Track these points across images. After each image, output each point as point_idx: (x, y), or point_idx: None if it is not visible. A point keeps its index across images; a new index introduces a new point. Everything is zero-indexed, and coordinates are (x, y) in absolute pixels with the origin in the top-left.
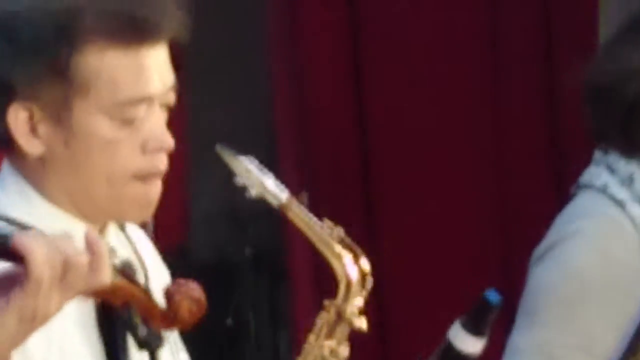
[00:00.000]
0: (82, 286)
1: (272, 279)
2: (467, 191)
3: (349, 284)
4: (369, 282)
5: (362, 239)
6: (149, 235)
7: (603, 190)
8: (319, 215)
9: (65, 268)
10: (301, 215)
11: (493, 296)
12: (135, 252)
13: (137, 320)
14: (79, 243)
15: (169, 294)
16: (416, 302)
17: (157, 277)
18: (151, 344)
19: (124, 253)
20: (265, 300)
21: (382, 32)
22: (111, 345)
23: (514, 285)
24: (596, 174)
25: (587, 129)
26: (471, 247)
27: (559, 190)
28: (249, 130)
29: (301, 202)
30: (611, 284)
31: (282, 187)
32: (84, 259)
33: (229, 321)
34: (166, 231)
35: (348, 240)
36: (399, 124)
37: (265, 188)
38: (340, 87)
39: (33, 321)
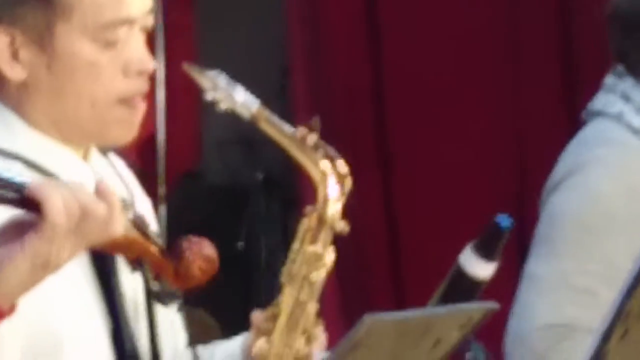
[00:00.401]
0: (96, 236)
1: (283, 204)
2: (481, 121)
3: (325, 191)
4: (348, 184)
5: (375, 168)
6: (160, 160)
7: (618, 118)
8: (333, 146)
9: (82, 216)
10: (274, 125)
11: (504, 220)
12: (119, 176)
13: (149, 275)
14: (88, 189)
15: (181, 251)
16: (430, 231)
17: (141, 203)
18: (164, 300)
19: (107, 177)
20: (277, 224)
21: None
22: (102, 265)
23: (525, 213)
24: (610, 101)
25: (606, 52)
26: (484, 178)
27: (570, 119)
28: (262, 58)
29: (314, 128)
30: (635, 215)
31: (253, 98)
32: (101, 208)
33: (240, 244)
34: (179, 156)
35: (323, 144)
36: (415, 57)
37: (234, 100)
38: (356, 22)
39: (45, 268)
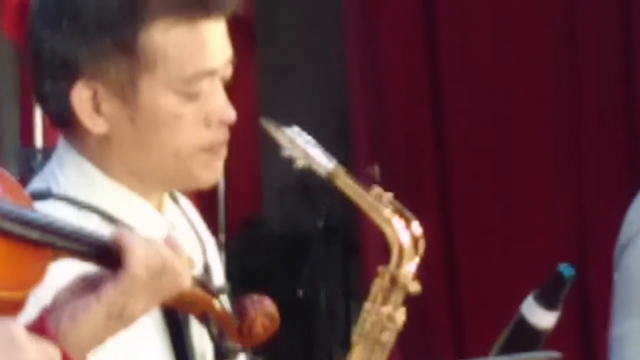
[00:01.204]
0: (169, 291)
1: (343, 251)
2: (544, 170)
3: (401, 249)
4: (422, 245)
5: (434, 214)
6: (221, 207)
7: None
8: (392, 190)
9: (162, 271)
10: (349, 183)
11: (567, 270)
12: (190, 222)
13: (214, 330)
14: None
15: (243, 309)
16: (490, 277)
17: (209, 245)
18: (228, 356)
19: (180, 225)
20: (337, 272)
21: (458, 13)
22: (173, 315)
23: (587, 262)
24: None
25: None
26: (546, 227)
27: (632, 175)
28: (321, 104)
29: (373, 175)
30: None
31: (329, 156)
32: (179, 264)
33: (300, 292)
34: (240, 203)
35: (398, 204)
36: (475, 104)
37: (311, 158)
38: (417, 66)
39: (119, 319)
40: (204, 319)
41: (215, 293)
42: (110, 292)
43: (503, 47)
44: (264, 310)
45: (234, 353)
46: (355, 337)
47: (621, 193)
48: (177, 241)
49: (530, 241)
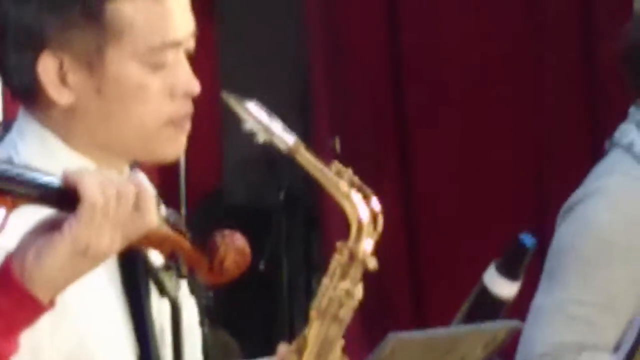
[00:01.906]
0: (132, 226)
1: (305, 225)
2: (504, 139)
3: (360, 225)
4: (380, 222)
5: (395, 190)
6: (182, 180)
7: (628, 148)
8: (352, 160)
9: (117, 197)
10: (309, 159)
11: (528, 239)
12: None
13: (184, 270)
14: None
15: (214, 245)
16: (451, 249)
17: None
18: (194, 290)
19: None
20: (299, 245)
21: None
22: (133, 289)
23: (548, 232)
24: (625, 131)
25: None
26: (507, 195)
27: (595, 145)
28: (281, 77)
29: (334, 148)
30: (634, 245)
31: (289, 131)
32: (132, 189)
33: (262, 265)
34: (201, 175)
35: (358, 181)
36: (436, 80)
37: (271, 132)
38: (375, 29)
39: (85, 254)
40: (173, 258)
41: (183, 231)
42: (73, 226)
43: (465, 22)
44: (234, 245)
45: (200, 289)
46: (313, 313)
47: (582, 163)
48: (141, 180)
49: (491, 212)
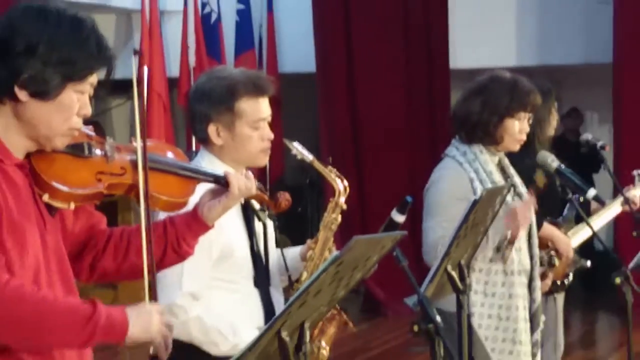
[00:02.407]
0: (249, 193)
1: (317, 193)
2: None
3: (339, 192)
4: (347, 189)
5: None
6: (267, 173)
7: (452, 157)
8: (335, 165)
9: (245, 184)
10: (318, 165)
11: (409, 199)
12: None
13: (265, 207)
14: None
15: (277, 197)
16: (381, 202)
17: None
18: (271, 217)
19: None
20: (314, 201)
21: None
22: (247, 218)
23: (417, 195)
24: (450, 149)
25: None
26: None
27: (434, 158)
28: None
29: (325, 160)
30: (453, 198)
31: (311, 154)
32: (250, 178)
33: (299, 209)
34: (274, 171)
35: (338, 173)
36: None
37: (304, 155)
38: None
39: (226, 210)
40: (261, 202)
41: (265, 192)
42: (223, 200)
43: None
44: (285, 196)
45: (272, 217)
46: (321, 225)
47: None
48: (250, 174)
49: (395, 187)
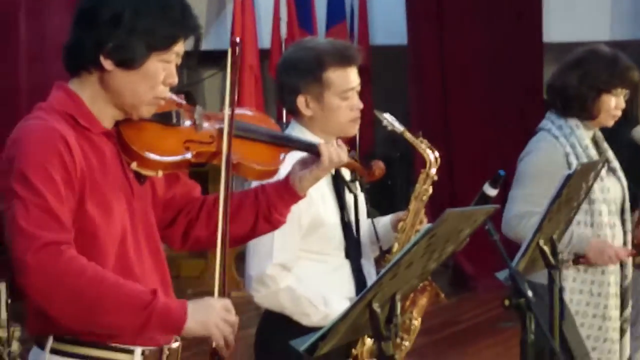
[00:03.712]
0: (341, 161)
1: (407, 164)
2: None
3: (430, 162)
4: (439, 160)
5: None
6: (357, 142)
7: (548, 131)
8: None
9: (337, 153)
10: (409, 136)
11: (502, 172)
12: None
13: (357, 175)
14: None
15: (370, 165)
16: (472, 174)
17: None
18: (362, 185)
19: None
20: (404, 173)
21: None
22: (338, 189)
23: (507, 170)
24: (545, 123)
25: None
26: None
27: (525, 133)
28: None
29: (418, 134)
30: (545, 172)
31: (402, 125)
32: (343, 148)
33: (389, 181)
34: (364, 144)
35: (429, 144)
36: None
37: (395, 126)
38: None
39: (317, 180)
40: (354, 170)
41: (357, 160)
42: (314, 169)
43: None
44: (378, 165)
45: (362, 185)
46: (412, 196)
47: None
48: (341, 143)
49: (487, 163)
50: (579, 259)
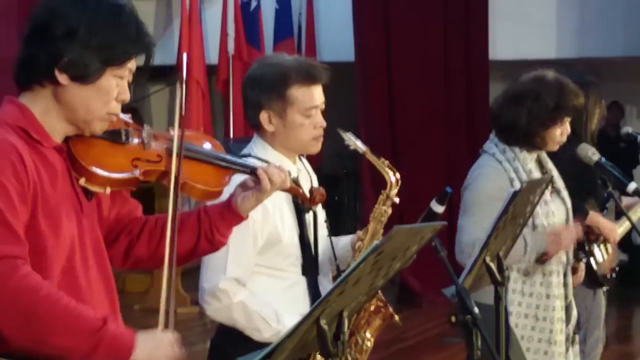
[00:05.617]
0: (281, 186)
1: (354, 182)
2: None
3: (391, 184)
4: (399, 181)
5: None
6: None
7: (492, 155)
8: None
9: (278, 175)
10: (371, 156)
11: (449, 190)
12: (306, 169)
13: (300, 200)
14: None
15: (312, 190)
16: (419, 188)
17: (314, 180)
18: (311, 209)
19: (301, 170)
20: (352, 192)
21: None
22: (297, 205)
23: (454, 186)
24: (489, 146)
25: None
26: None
27: (472, 150)
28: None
29: (373, 153)
30: (492, 199)
31: (364, 144)
32: (284, 171)
33: (336, 199)
34: (311, 160)
35: (391, 165)
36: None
37: (357, 146)
38: None
39: (259, 202)
40: (296, 196)
41: (299, 184)
42: (255, 192)
43: None
44: (319, 190)
45: (309, 209)
46: (371, 217)
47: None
48: (283, 167)
49: (433, 181)
50: (543, 258)
